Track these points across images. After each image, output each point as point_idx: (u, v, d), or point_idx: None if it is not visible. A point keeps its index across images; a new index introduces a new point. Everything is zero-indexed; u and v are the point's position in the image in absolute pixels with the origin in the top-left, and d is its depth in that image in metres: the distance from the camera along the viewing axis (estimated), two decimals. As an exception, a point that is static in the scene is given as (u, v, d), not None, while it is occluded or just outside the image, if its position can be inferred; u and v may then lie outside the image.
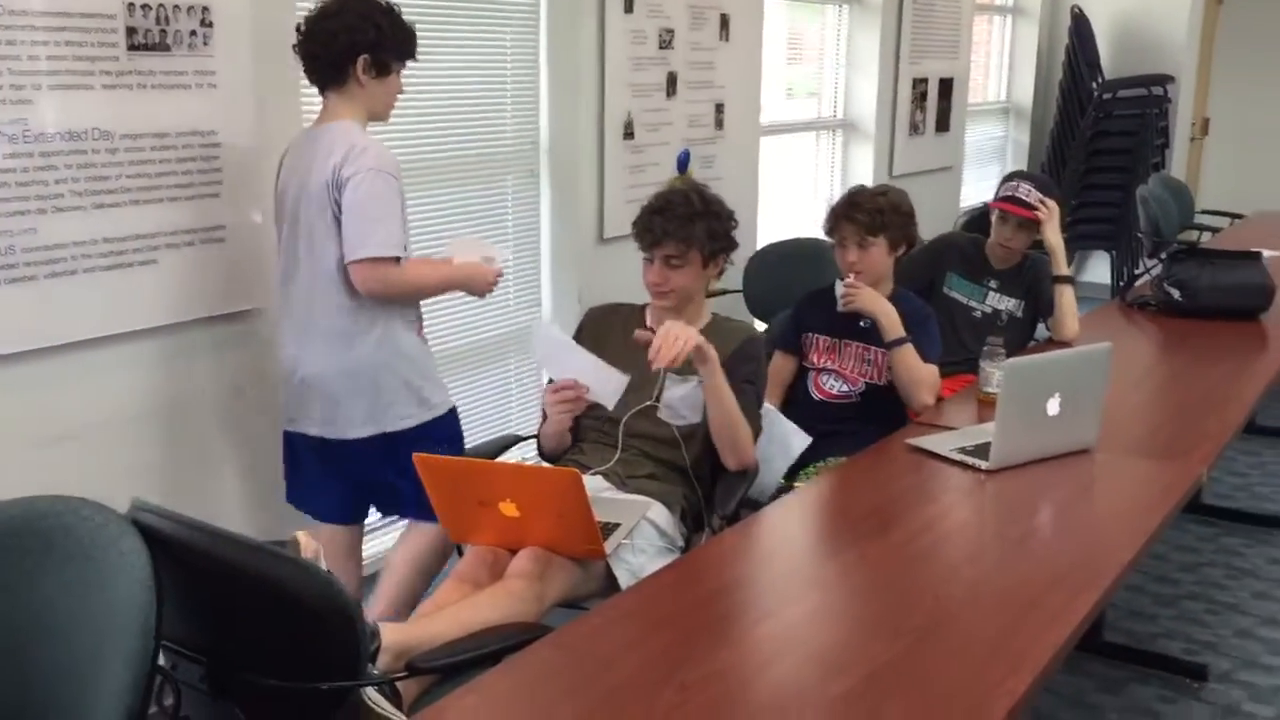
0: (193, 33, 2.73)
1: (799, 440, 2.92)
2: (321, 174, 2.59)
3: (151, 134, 2.69)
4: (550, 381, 2.71)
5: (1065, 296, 3.58)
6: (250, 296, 2.98)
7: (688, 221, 2.61)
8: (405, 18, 2.69)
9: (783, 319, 3.32)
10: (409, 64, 2.75)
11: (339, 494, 2.84)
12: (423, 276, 2.76)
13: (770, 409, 2.94)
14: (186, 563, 1.70)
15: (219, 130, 2.83)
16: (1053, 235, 3.56)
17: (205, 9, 2.75)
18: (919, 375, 2.99)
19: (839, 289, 3.08)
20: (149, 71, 2.66)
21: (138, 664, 1.53)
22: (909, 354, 2.99)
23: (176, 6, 2.69)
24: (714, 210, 2.68)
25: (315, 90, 2.71)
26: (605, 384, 2.54)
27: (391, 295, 2.65)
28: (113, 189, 2.64)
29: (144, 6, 2.63)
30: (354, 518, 2.93)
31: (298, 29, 2.66)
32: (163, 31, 2.67)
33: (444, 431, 2.81)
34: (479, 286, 2.84)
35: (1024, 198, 3.55)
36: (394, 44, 2.66)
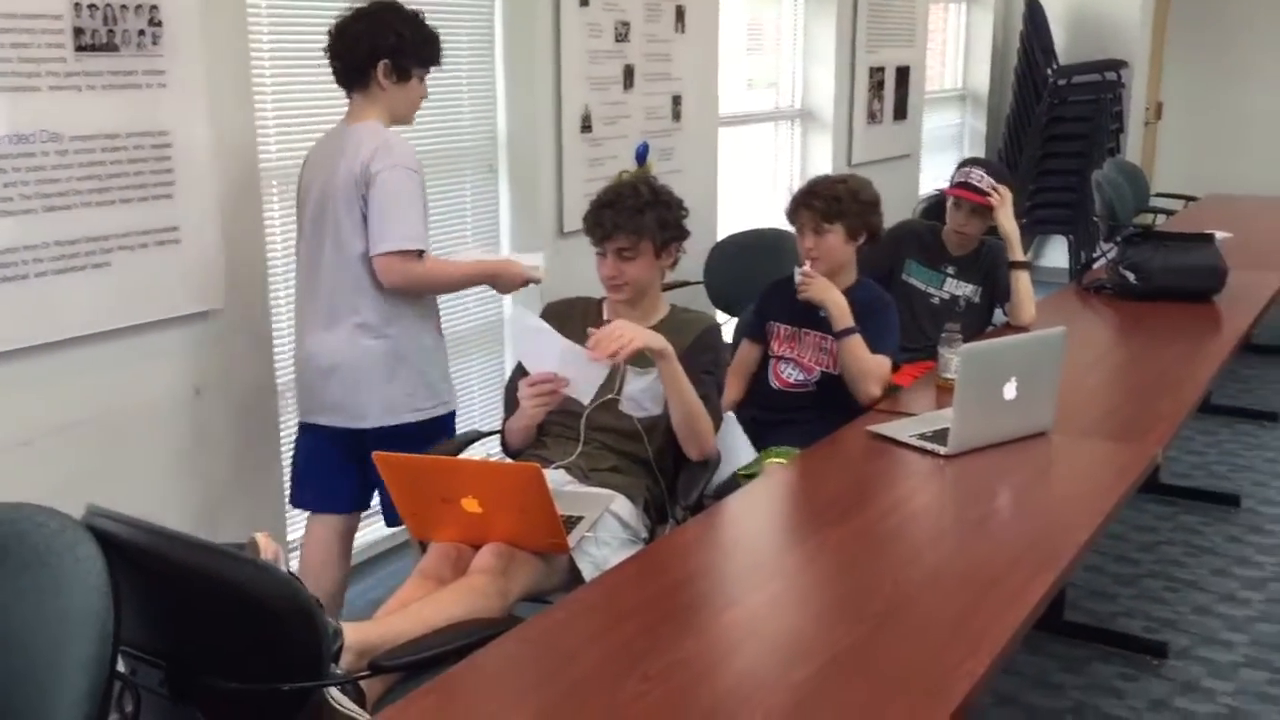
0: (141, 32, 2.70)
1: (745, 454, 2.94)
2: (350, 170, 2.70)
3: (102, 135, 2.66)
4: (523, 374, 2.68)
5: (1021, 282, 3.61)
6: (206, 298, 2.95)
7: (638, 213, 2.62)
8: (429, 25, 2.83)
9: (752, 307, 3.33)
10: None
11: (352, 483, 2.92)
12: (445, 270, 2.89)
13: (729, 417, 2.95)
14: (144, 567, 1.68)
15: (171, 130, 2.80)
16: (1007, 221, 3.59)
17: (154, 8, 2.72)
18: (866, 366, 3.00)
19: (797, 277, 3.10)
20: (97, 72, 2.63)
21: (95, 670, 1.52)
22: (856, 345, 3.01)
23: (124, 6, 2.66)
24: (663, 200, 2.69)
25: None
26: (587, 374, 2.52)
27: (413, 288, 2.77)
28: (63, 191, 2.61)
29: (90, 6, 2.59)
30: (359, 506, 3.02)
31: (328, 32, 2.80)
32: (110, 31, 2.64)
33: (447, 428, 2.91)
34: (506, 282, 2.96)
35: (976, 183, 3.58)
36: (414, 51, 2.79)
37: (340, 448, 2.87)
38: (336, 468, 2.90)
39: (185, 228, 2.86)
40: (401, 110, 2.85)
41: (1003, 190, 3.58)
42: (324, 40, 3.31)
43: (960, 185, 3.62)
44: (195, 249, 2.89)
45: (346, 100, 2.87)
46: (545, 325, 2.60)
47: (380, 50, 2.75)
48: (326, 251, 2.77)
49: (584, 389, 2.56)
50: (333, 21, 2.82)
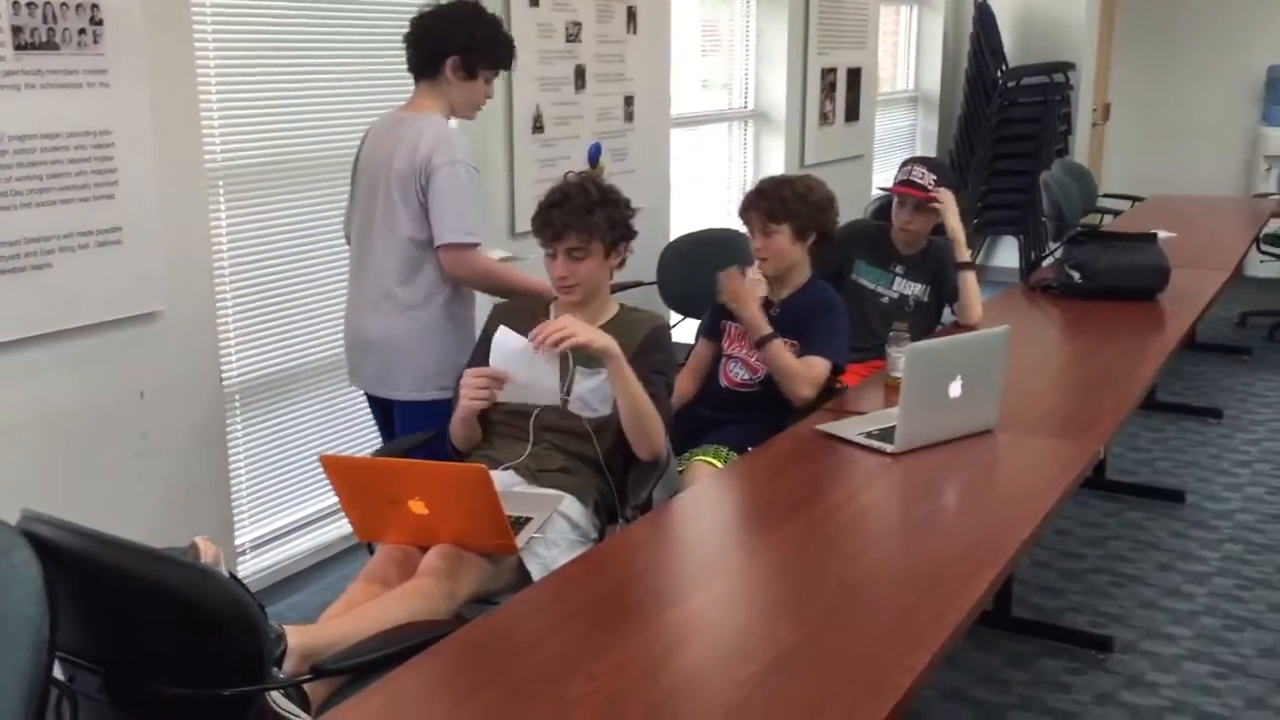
0: (82, 31, 2.67)
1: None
2: (409, 159, 2.85)
3: (42, 135, 2.63)
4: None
5: (968, 282, 3.65)
6: (151, 299, 2.92)
7: (587, 212, 2.62)
8: (505, 30, 3.04)
9: (710, 309, 3.32)
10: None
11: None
12: (498, 269, 3.02)
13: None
14: (82, 572, 1.67)
15: (113, 130, 2.77)
16: (953, 222, 3.63)
17: (94, 6, 2.69)
18: (792, 368, 3.03)
19: (720, 276, 3.13)
20: (37, 71, 2.59)
21: (30, 677, 1.50)
22: (777, 350, 3.04)
23: (64, 4, 2.63)
24: (611, 199, 2.69)
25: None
26: (537, 373, 2.53)
27: (469, 279, 2.95)
28: (3, 191, 2.57)
29: (29, 4, 2.56)
30: None
31: (410, 20, 2.97)
32: (50, 30, 2.61)
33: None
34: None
35: (918, 180, 3.62)
36: (485, 52, 2.96)
37: (377, 412, 3.14)
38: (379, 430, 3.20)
39: (128, 228, 2.83)
40: (461, 105, 3.03)
41: (944, 192, 3.61)
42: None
43: (903, 183, 3.65)
44: (138, 250, 2.86)
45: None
46: (506, 333, 2.60)
47: (452, 46, 2.92)
48: (377, 231, 2.93)
49: (538, 390, 2.56)
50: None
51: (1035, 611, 3.39)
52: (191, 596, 1.62)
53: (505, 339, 2.59)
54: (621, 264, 2.77)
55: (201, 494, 3.17)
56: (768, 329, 3.03)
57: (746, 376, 3.16)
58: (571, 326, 2.46)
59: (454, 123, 3.07)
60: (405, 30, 3.05)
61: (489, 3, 3.88)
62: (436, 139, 2.86)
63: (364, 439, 3.78)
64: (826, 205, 3.20)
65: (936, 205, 3.60)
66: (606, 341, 2.51)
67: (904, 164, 3.76)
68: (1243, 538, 3.89)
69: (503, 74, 3.95)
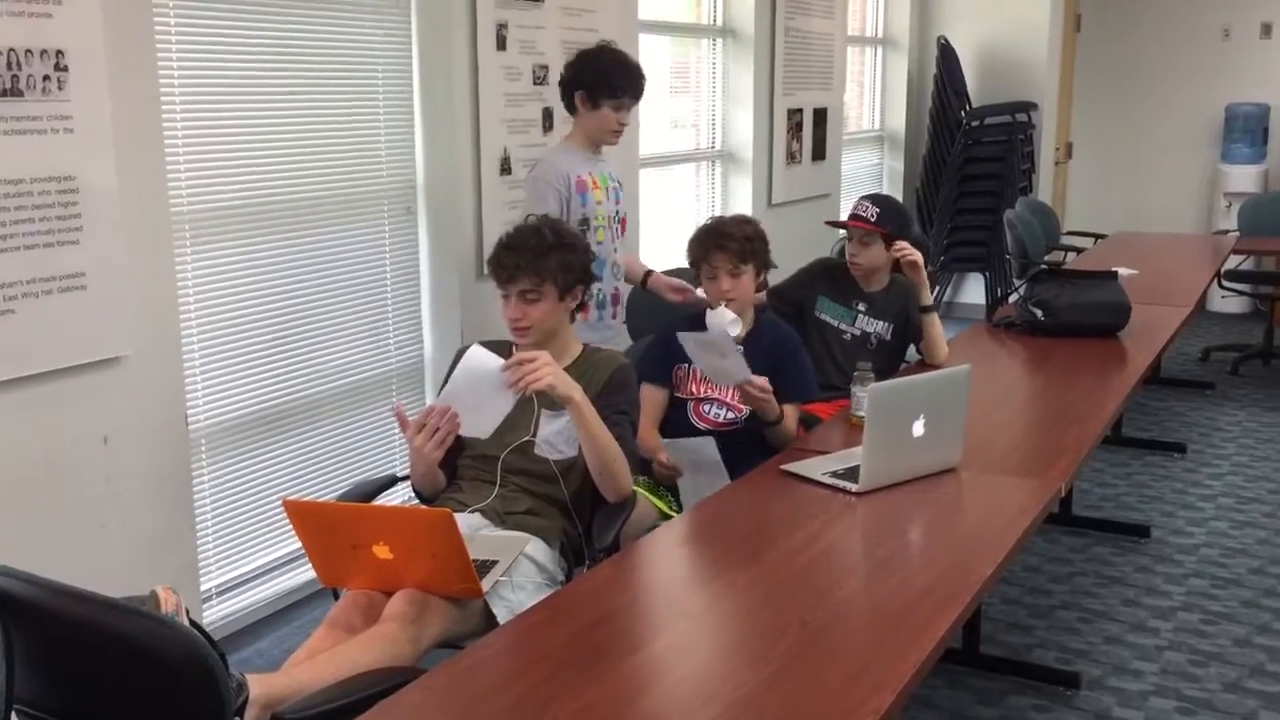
0: (46, 77, 2.67)
1: (709, 446, 2.97)
2: None
3: (5, 181, 2.62)
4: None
5: (932, 326, 3.68)
6: (115, 344, 2.91)
7: (540, 255, 2.64)
8: (631, 64, 3.54)
9: (649, 351, 3.32)
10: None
11: None
12: None
13: (702, 442, 2.98)
14: (40, 623, 1.65)
15: (77, 176, 2.77)
16: (915, 272, 3.65)
17: (60, 53, 2.70)
18: (789, 440, 3.08)
19: (713, 318, 3.14)
20: (1, 118, 2.59)
21: (-14, 731, 1.48)
22: (783, 428, 3.09)
23: (29, 51, 2.63)
24: (566, 242, 2.71)
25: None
26: (492, 407, 2.51)
27: None
28: (-36, 238, 2.56)
29: (-7, 52, 2.57)
30: None
31: None
32: (15, 77, 2.61)
33: None
34: None
35: (861, 213, 3.65)
36: (604, 84, 3.48)
37: None
38: None
39: (92, 274, 2.83)
40: (593, 132, 3.57)
41: (905, 245, 3.63)
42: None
43: (851, 216, 3.70)
44: (103, 295, 2.85)
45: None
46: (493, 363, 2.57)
47: (577, 82, 3.51)
48: None
49: (482, 422, 2.54)
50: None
51: (1004, 648, 3.40)
52: (151, 647, 1.61)
53: (481, 359, 2.54)
54: (580, 307, 2.79)
55: (166, 540, 3.14)
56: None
57: (730, 416, 3.17)
58: (542, 369, 2.46)
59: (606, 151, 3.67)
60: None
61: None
62: (540, 159, 3.58)
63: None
64: (768, 245, 3.27)
65: (877, 235, 3.63)
66: (569, 388, 2.51)
67: (858, 201, 3.80)
68: (1207, 572, 3.93)
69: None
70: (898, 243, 3.59)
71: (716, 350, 2.97)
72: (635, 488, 2.95)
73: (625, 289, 3.73)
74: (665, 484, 3.04)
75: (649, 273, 3.84)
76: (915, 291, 3.70)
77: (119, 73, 2.85)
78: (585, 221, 3.50)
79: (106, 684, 1.69)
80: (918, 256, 3.60)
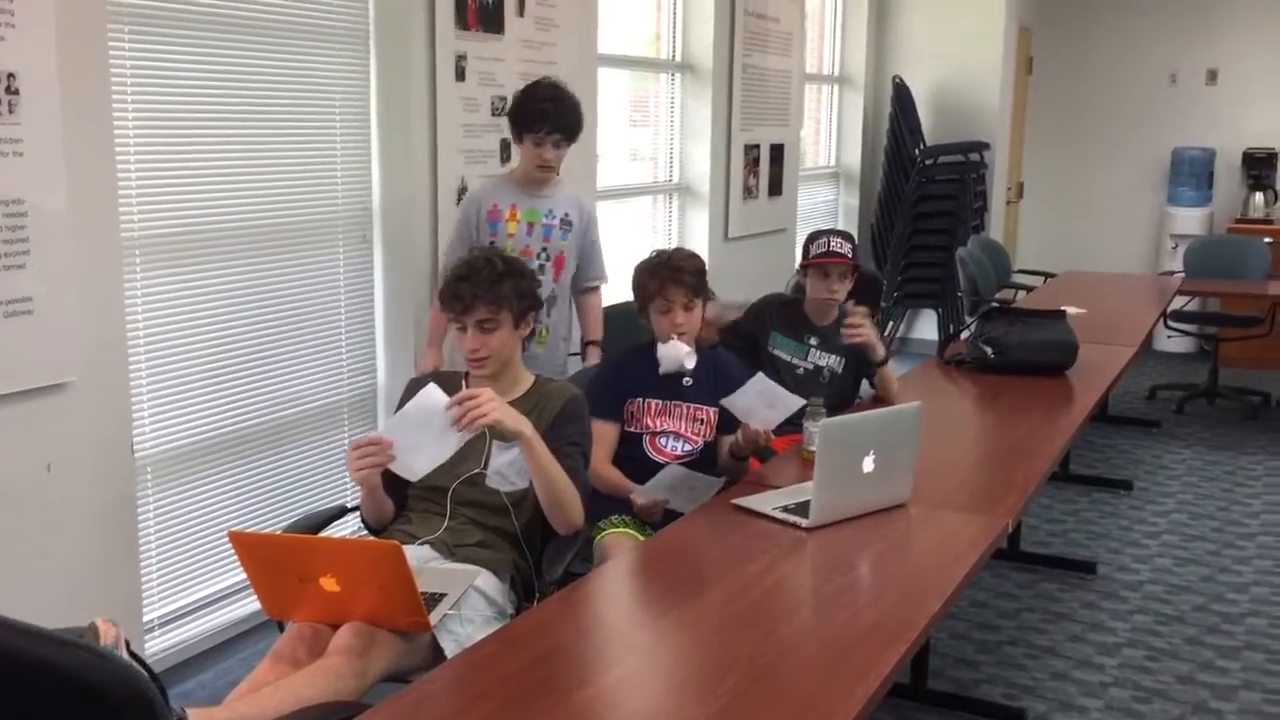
0: (-3, 100, 2.65)
1: (673, 471, 2.97)
2: None
3: (-49, 203, 2.59)
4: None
5: (885, 377, 3.72)
6: (61, 370, 2.87)
7: (495, 283, 2.65)
8: (538, 98, 3.56)
9: (596, 385, 3.25)
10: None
11: None
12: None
13: (665, 472, 2.96)
14: (-27, 655, 1.61)
15: (26, 199, 2.74)
16: (867, 333, 3.66)
17: (10, 75, 2.67)
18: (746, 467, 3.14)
19: (662, 350, 3.14)
20: (-51, 139, 2.56)
21: (-86, 767, 1.45)
22: (748, 464, 3.15)
23: (-21, 73, 2.61)
24: (517, 270, 2.73)
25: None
26: (438, 444, 2.48)
27: None
28: (-92, 261, 2.52)
29: (-57, 73, 2.54)
30: None
31: None
32: (-36, 98, 2.58)
33: None
34: None
35: (838, 249, 3.69)
36: (525, 119, 3.56)
37: None
38: None
39: (39, 298, 2.79)
40: (522, 166, 3.70)
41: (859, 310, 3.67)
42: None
43: (825, 255, 3.70)
44: (49, 320, 2.82)
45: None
46: (441, 400, 2.54)
47: (509, 116, 3.66)
48: None
49: (417, 462, 2.51)
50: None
51: (952, 683, 3.42)
52: (88, 680, 1.58)
53: (431, 396, 2.51)
54: (531, 334, 2.80)
55: (109, 569, 3.09)
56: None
57: (688, 448, 3.18)
58: (486, 405, 2.45)
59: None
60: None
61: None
62: None
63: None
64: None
65: (849, 269, 3.67)
66: (517, 424, 2.50)
67: (815, 237, 3.80)
68: (1151, 609, 3.98)
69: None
70: (850, 322, 3.60)
71: (765, 400, 3.04)
72: (620, 529, 2.96)
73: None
74: (649, 521, 3.02)
75: (589, 344, 3.92)
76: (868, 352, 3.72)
77: (72, 96, 2.83)
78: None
79: (42, 718, 1.65)
80: (868, 338, 3.63)
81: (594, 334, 3.90)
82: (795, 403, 3.06)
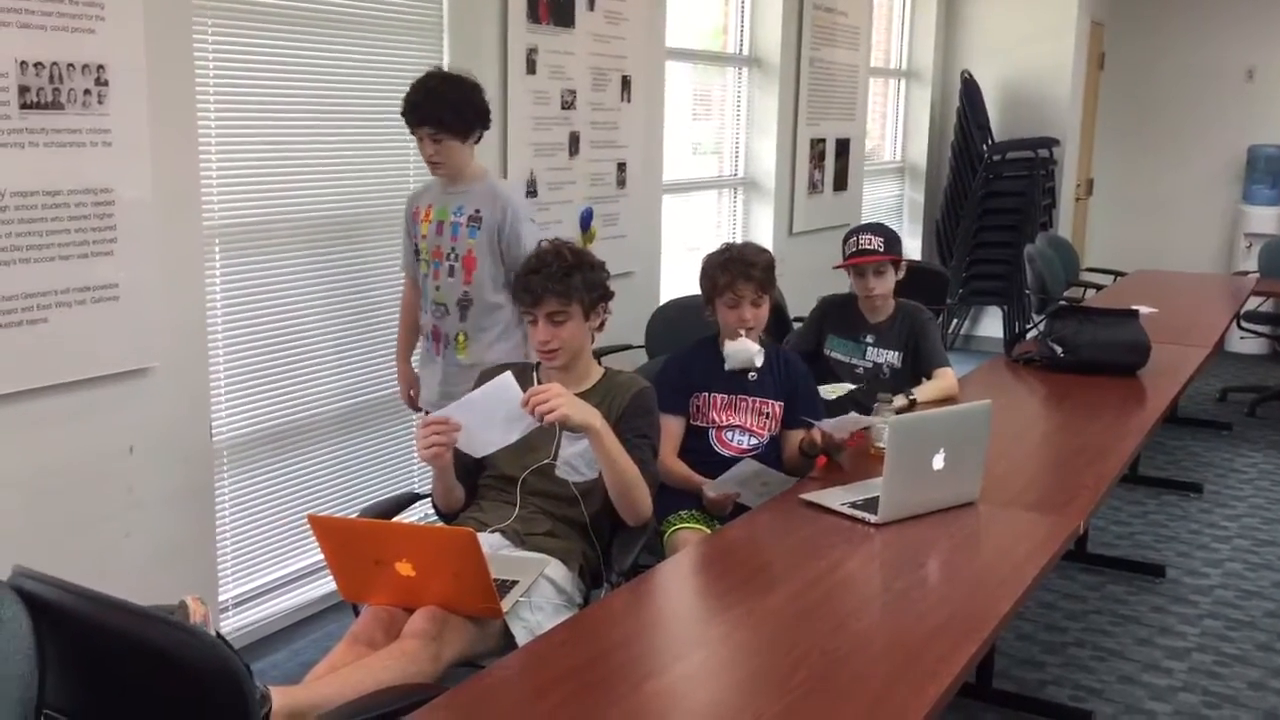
0: (87, 91, 2.72)
1: (748, 464, 2.94)
2: None
3: (43, 192, 2.67)
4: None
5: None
6: (144, 355, 2.95)
7: (564, 276, 2.67)
8: (417, 90, 3.29)
9: (661, 380, 3.18)
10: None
11: None
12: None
13: (740, 465, 2.93)
14: (70, 629, 1.68)
15: (114, 188, 2.82)
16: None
17: (101, 67, 2.75)
18: (811, 464, 3.12)
19: (730, 348, 3.13)
20: (41, 130, 2.64)
21: (16, 735, 1.51)
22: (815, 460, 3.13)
23: (71, 65, 2.68)
24: (586, 262, 2.75)
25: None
26: (504, 396, 2.50)
27: None
28: (2, 247, 2.60)
29: (37, 65, 2.61)
30: None
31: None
32: (56, 90, 2.66)
33: None
34: None
35: (868, 247, 3.66)
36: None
37: None
38: None
39: (125, 285, 2.87)
40: None
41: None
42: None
43: (856, 254, 3.69)
44: (134, 307, 2.89)
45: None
46: (510, 381, 2.58)
47: None
48: None
49: (479, 442, 2.56)
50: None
51: (1017, 684, 3.39)
52: (178, 656, 1.63)
53: (504, 384, 2.54)
54: (601, 326, 2.81)
55: (187, 550, 3.17)
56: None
57: (755, 442, 3.19)
58: (554, 400, 2.47)
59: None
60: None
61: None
62: None
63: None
64: None
65: (888, 263, 3.64)
66: (585, 416, 2.51)
67: (849, 236, 3.77)
68: (1222, 614, 3.92)
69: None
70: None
71: (849, 423, 3.03)
72: (689, 524, 2.97)
73: (451, 327, 3.38)
74: (716, 515, 3.04)
75: None
76: (921, 313, 3.71)
77: (157, 88, 2.90)
78: (416, 252, 3.46)
79: (133, 691, 1.71)
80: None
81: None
82: (853, 423, 3.02)
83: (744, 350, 3.13)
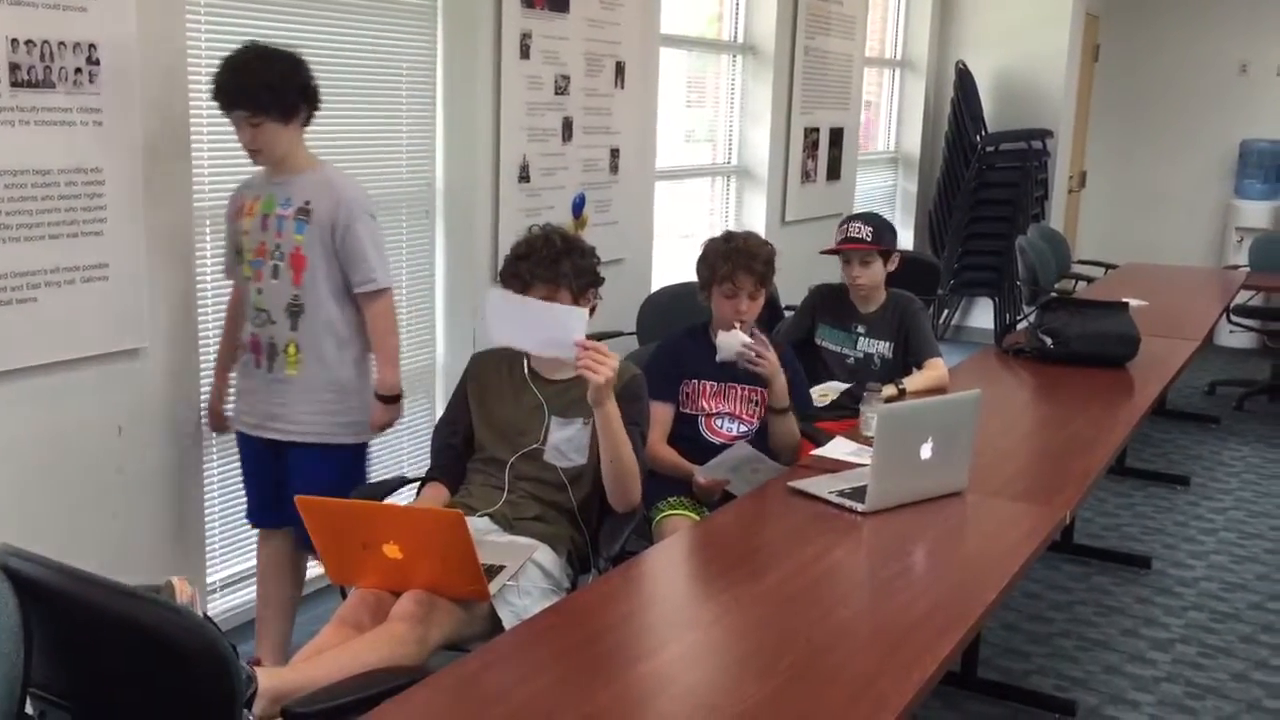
0: (78, 70, 2.71)
1: (741, 448, 2.97)
2: None
3: (33, 171, 2.66)
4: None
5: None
6: (134, 335, 2.94)
7: (553, 262, 2.67)
8: (220, 71, 2.84)
9: (652, 367, 3.16)
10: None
11: None
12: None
13: (734, 448, 2.96)
14: (57, 608, 1.68)
15: (104, 168, 2.81)
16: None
17: (92, 46, 2.73)
18: (793, 441, 3.14)
19: (723, 338, 3.13)
20: (31, 108, 2.63)
21: (3, 713, 1.51)
22: (791, 420, 3.11)
23: (62, 44, 2.67)
24: (576, 248, 2.74)
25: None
26: (569, 323, 2.50)
27: None
28: (-9, 225, 2.60)
29: (28, 43, 2.60)
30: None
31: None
32: (47, 68, 2.65)
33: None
34: None
35: (856, 234, 3.68)
36: None
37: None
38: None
39: (115, 265, 2.86)
40: None
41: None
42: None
43: (843, 241, 3.71)
44: (124, 287, 2.89)
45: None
46: (516, 297, 2.61)
47: None
48: None
49: (508, 335, 2.57)
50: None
51: (1001, 673, 3.41)
52: (165, 635, 1.63)
53: (573, 313, 2.53)
54: (592, 312, 2.81)
55: (175, 531, 3.17)
56: (788, 400, 3.12)
57: (744, 429, 3.19)
58: (608, 365, 2.44)
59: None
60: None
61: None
62: None
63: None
64: None
65: (875, 253, 3.66)
66: (610, 395, 2.52)
67: (841, 224, 3.81)
68: (1206, 605, 3.94)
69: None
70: (753, 352, 3.06)
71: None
72: (679, 511, 2.98)
73: (280, 336, 2.96)
74: (706, 501, 3.05)
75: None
76: (912, 303, 3.71)
77: (148, 66, 2.89)
78: (239, 251, 3.01)
79: (120, 670, 1.71)
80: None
81: (377, 347, 3.05)
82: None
83: (733, 342, 3.13)
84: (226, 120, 3.05)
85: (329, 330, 2.95)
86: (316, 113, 2.97)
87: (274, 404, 3.00)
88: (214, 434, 3.28)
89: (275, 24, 3.37)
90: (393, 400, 3.08)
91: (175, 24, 3.00)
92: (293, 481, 2.93)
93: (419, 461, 3.94)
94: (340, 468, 3.02)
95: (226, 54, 2.86)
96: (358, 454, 3.12)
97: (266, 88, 2.82)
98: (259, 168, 2.98)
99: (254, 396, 3.04)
